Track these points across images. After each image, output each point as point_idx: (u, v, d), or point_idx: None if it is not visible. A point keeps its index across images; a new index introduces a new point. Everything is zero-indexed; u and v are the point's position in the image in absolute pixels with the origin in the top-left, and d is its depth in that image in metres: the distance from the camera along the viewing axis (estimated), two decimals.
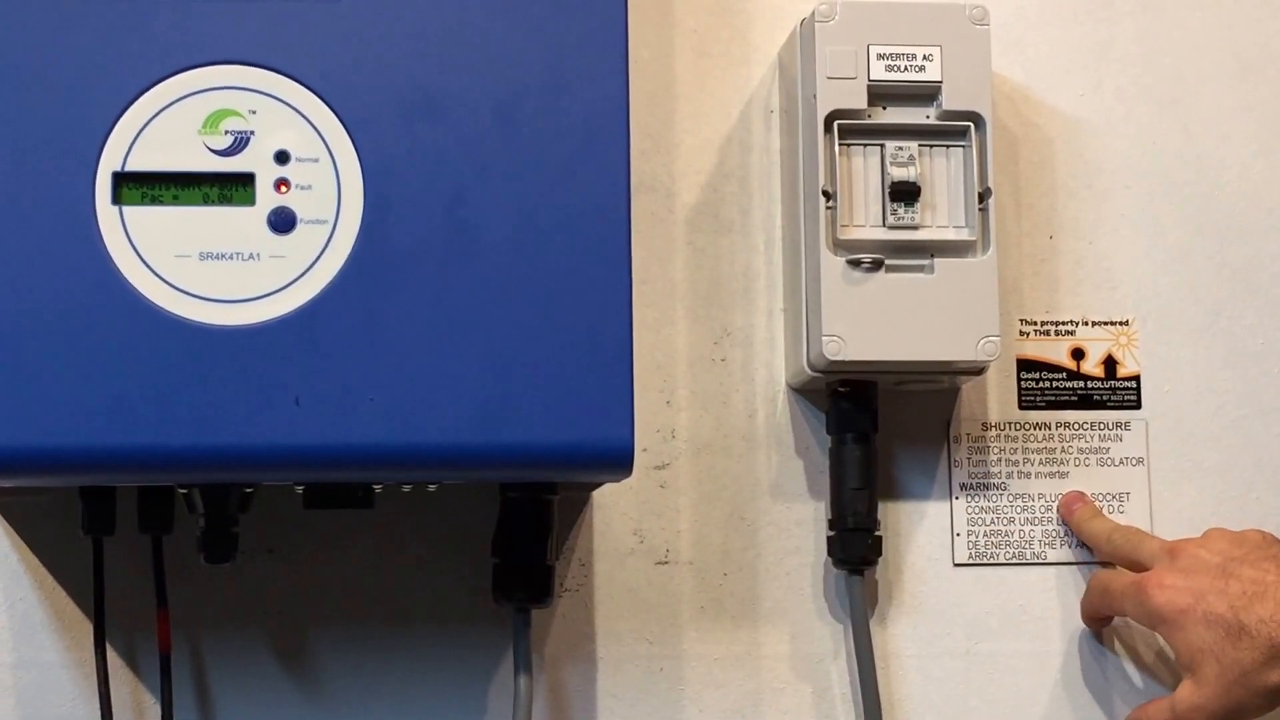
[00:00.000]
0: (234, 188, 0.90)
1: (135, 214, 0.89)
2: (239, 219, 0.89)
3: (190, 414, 0.87)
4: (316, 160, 0.90)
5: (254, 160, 0.90)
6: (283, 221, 0.90)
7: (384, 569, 1.07)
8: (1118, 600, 1.05)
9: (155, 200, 0.89)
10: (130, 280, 0.88)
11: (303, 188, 0.90)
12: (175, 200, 0.89)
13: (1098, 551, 1.09)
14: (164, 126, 0.90)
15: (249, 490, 0.97)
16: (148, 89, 0.90)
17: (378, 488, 0.97)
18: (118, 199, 0.89)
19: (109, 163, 0.89)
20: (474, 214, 0.90)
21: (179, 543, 1.01)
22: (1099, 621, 1.10)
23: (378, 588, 1.07)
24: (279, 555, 1.06)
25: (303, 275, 0.89)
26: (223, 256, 0.89)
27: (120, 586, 1.03)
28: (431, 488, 1.01)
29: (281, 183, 0.90)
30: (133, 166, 0.89)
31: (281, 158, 0.90)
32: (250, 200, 0.90)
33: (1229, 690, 0.98)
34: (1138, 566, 1.05)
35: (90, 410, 0.87)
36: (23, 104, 0.88)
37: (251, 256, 0.89)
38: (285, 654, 1.06)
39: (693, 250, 1.11)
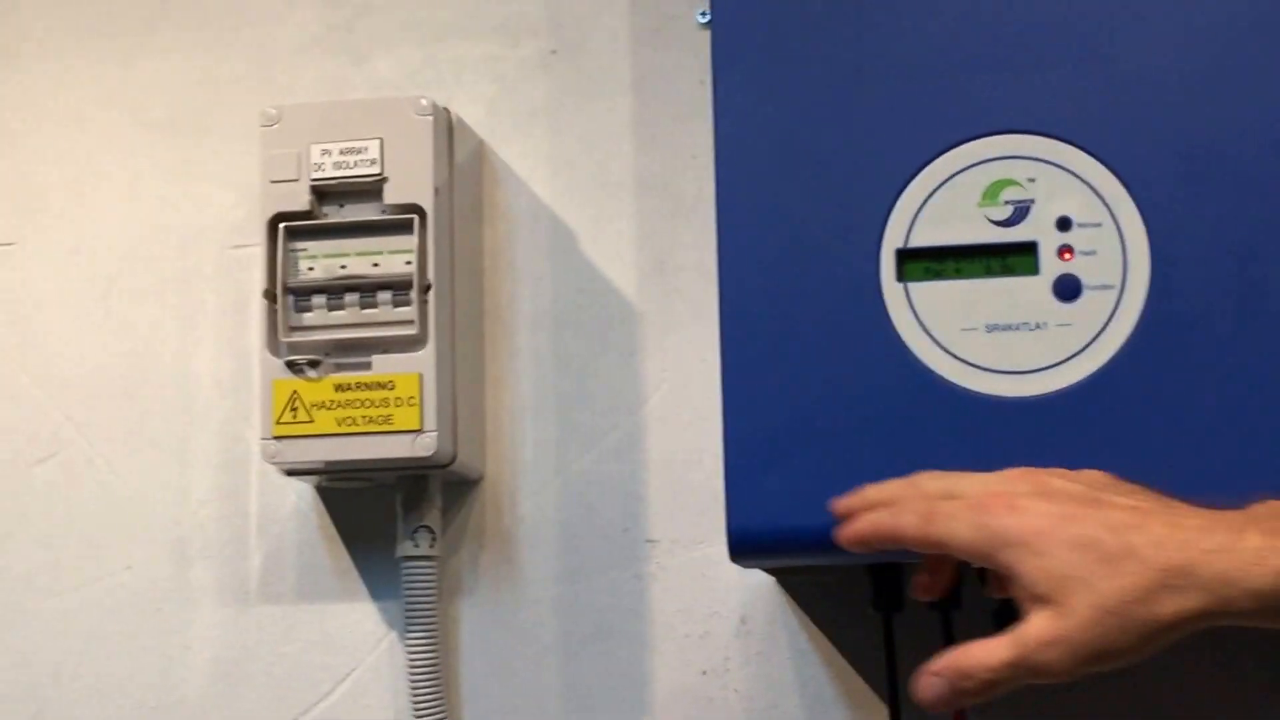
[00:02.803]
0: (1016, 257, 0.90)
1: (919, 289, 0.90)
2: (1023, 288, 0.89)
3: None
4: (1099, 225, 0.89)
5: (1035, 229, 0.90)
6: (1068, 289, 0.89)
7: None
8: (943, 521, 0.79)
9: (937, 275, 0.90)
10: (918, 355, 0.89)
11: (1086, 253, 0.89)
12: (957, 274, 0.90)
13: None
14: (943, 201, 0.90)
15: None
16: (925, 165, 0.91)
17: None
18: (902, 276, 0.90)
19: (892, 240, 0.90)
20: (1267, 268, 0.87)
21: (968, 618, 1.00)
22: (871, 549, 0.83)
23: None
24: None
25: (1091, 343, 0.88)
26: (1009, 327, 0.89)
27: (911, 663, 1.03)
28: None
29: (1065, 250, 0.89)
30: (915, 243, 0.90)
31: (1063, 224, 0.89)
32: (1033, 269, 0.89)
33: (1101, 620, 0.76)
34: None
35: None
36: (807, 187, 0.91)
37: (1038, 326, 0.89)
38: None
39: None
